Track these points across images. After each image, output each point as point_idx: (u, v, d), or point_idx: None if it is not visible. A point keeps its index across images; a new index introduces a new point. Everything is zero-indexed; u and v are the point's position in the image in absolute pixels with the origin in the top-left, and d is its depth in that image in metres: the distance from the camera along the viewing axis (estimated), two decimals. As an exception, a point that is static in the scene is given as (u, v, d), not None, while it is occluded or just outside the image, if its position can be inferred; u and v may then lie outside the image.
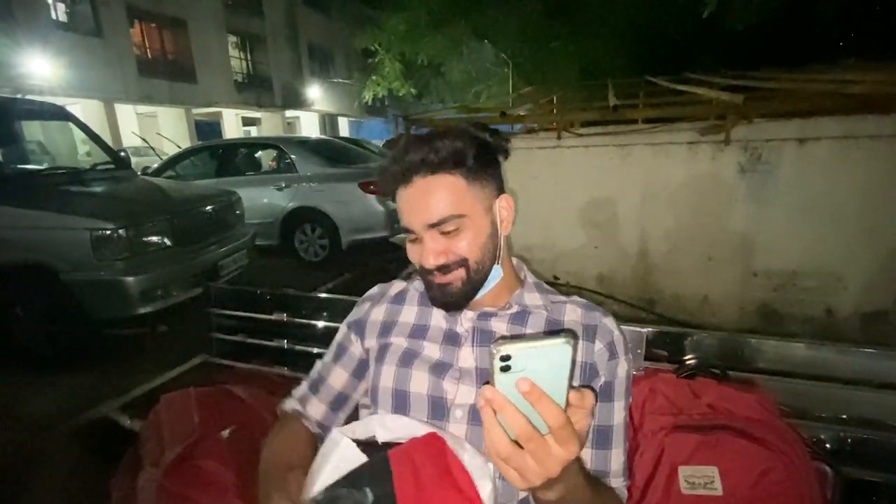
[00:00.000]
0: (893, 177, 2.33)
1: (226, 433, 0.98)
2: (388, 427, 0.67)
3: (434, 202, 0.69)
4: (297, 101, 18.57)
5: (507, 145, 0.76)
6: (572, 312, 0.76)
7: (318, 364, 0.87)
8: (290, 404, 0.84)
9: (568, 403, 0.42)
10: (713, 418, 0.83)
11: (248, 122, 17.96)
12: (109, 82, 11.42)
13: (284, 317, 1.36)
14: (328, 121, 21.82)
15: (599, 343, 0.72)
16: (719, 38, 4.82)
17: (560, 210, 3.08)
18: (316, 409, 0.82)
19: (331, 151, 5.28)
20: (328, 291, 1.51)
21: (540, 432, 0.41)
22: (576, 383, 0.69)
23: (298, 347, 1.34)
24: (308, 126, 20.62)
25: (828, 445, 0.89)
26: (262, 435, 0.96)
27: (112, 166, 3.53)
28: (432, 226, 0.70)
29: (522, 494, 0.67)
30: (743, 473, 0.77)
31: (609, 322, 0.75)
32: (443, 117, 4.53)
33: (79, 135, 3.86)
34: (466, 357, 0.73)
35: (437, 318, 0.79)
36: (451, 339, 0.76)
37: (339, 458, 0.62)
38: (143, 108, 13.56)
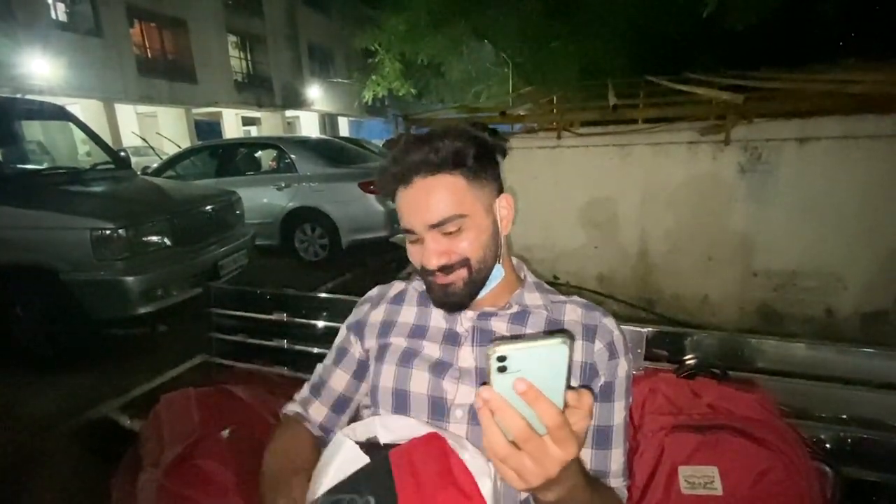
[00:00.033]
0: (893, 177, 2.33)
1: (226, 433, 0.97)
2: (389, 428, 0.67)
3: (435, 202, 0.69)
4: (297, 101, 18.57)
5: (506, 145, 0.76)
6: (572, 312, 0.76)
7: (319, 367, 0.87)
8: (291, 408, 0.85)
9: (566, 404, 0.42)
10: (713, 418, 0.83)
11: (247, 121, 17.96)
12: (109, 82, 11.41)
13: (284, 317, 1.36)
14: (328, 121, 21.82)
15: (599, 343, 0.72)
16: (719, 38, 4.82)
17: (560, 210, 3.08)
18: (318, 412, 0.82)
19: (331, 151, 5.28)
20: (328, 291, 1.51)
21: (538, 433, 0.41)
22: (575, 383, 0.70)
23: (298, 347, 1.34)
24: (308, 126, 20.62)
25: (828, 445, 0.89)
26: (262, 435, 0.96)
27: (112, 166, 3.53)
28: (434, 226, 0.69)
29: (524, 494, 0.67)
30: (743, 473, 0.77)
31: (609, 322, 0.75)
32: (443, 117, 4.53)
33: (79, 135, 3.86)
34: (466, 357, 0.73)
35: (437, 317, 0.79)
36: (451, 338, 0.76)
37: (342, 460, 0.62)
38: (143, 108, 13.56)
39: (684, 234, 2.82)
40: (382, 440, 0.66)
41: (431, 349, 0.76)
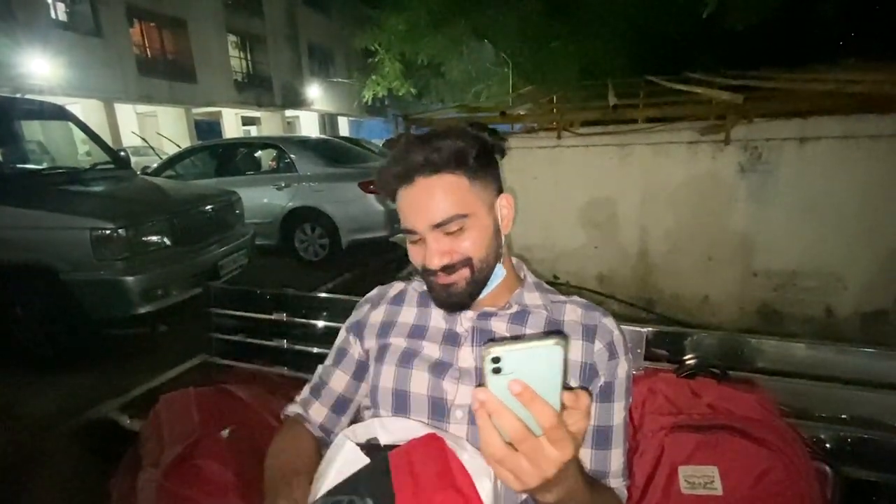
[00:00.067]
0: (893, 177, 2.33)
1: (225, 433, 0.98)
2: (389, 429, 0.67)
3: (437, 202, 0.69)
4: (297, 101, 18.57)
5: (505, 145, 0.76)
6: (572, 312, 0.76)
7: (320, 368, 0.87)
8: (292, 409, 0.85)
9: (563, 405, 0.42)
10: (713, 418, 0.83)
11: (247, 121, 17.95)
12: (109, 82, 11.41)
13: (284, 317, 1.36)
14: (328, 120, 21.82)
15: (599, 343, 0.72)
16: (719, 38, 4.82)
17: (560, 210, 3.08)
18: (318, 413, 0.82)
19: (330, 151, 5.28)
20: (328, 291, 1.51)
21: (534, 434, 0.41)
22: (575, 383, 0.70)
23: (298, 347, 1.34)
24: (308, 126, 20.62)
25: (828, 445, 0.89)
26: (262, 435, 0.96)
27: (112, 166, 3.53)
28: (436, 226, 0.69)
29: (524, 495, 0.67)
30: (743, 473, 0.77)
31: (609, 322, 0.75)
32: (443, 117, 4.52)
33: (78, 134, 3.86)
34: (466, 357, 0.73)
35: (437, 318, 0.79)
36: (451, 338, 0.76)
37: (342, 461, 0.62)
38: (143, 108, 13.56)
39: (684, 233, 2.82)
40: (382, 441, 0.66)
41: (431, 349, 0.76)
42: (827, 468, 0.84)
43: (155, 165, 5.57)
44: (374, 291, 0.90)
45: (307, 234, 4.90)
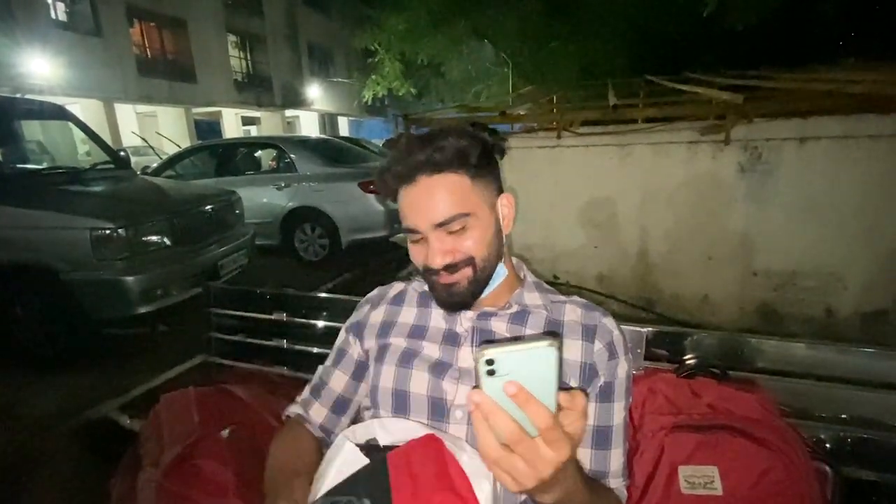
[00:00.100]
0: (893, 177, 2.33)
1: (225, 433, 0.98)
2: (388, 430, 0.67)
3: (440, 201, 0.69)
4: (297, 101, 18.57)
5: (504, 145, 0.76)
6: (572, 312, 0.76)
7: (320, 368, 0.87)
8: (293, 409, 0.85)
9: (559, 405, 0.42)
10: (713, 418, 0.83)
11: (247, 121, 17.95)
12: (109, 82, 11.41)
13: (284, 316, 1.36)
14: (328, 120, 21.81)
15: (599, 343, 0.72)
16: (719, 38, 4.82)
17: (560, 210, 3.08)
18: (318, 414, 0.82)
19: (330, 151, 5.28)
20: (328, 291, 1.51)
21: (529, 435, 0.41)
22: (575, 383, 0.70)
23: (298, 347, 1.34)
24: (308, 125, 20.62)
25: (828, 445, 0.89)
26: (262, 435, 0.96)
27: (112, 166, 3.53)
28: (439, 225, 0.69)
29: (523, 496, 0.67)
30: (743, 473, 0.77)
31: (609, 322, 0.75)
32: (442, 117, 4.52)
33: (78, 134, 3.86)
34: (466, 357, 0.73)
35: (437, 318, 0.79)
36: (451, 338, 0.76)
37: (342, 461, 0.62)
38: (143, 108, 13.56)
39: (684, 233, 2.82)
40: (382, 442, 0.66)
41: (431, 349, 0.76)
42: (827, 468, 0.84)
43: (155, 165, 5.56)
44: (375, 292, 0.90)
45: (307, 234, 4.90)
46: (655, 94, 3.51)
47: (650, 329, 1.01)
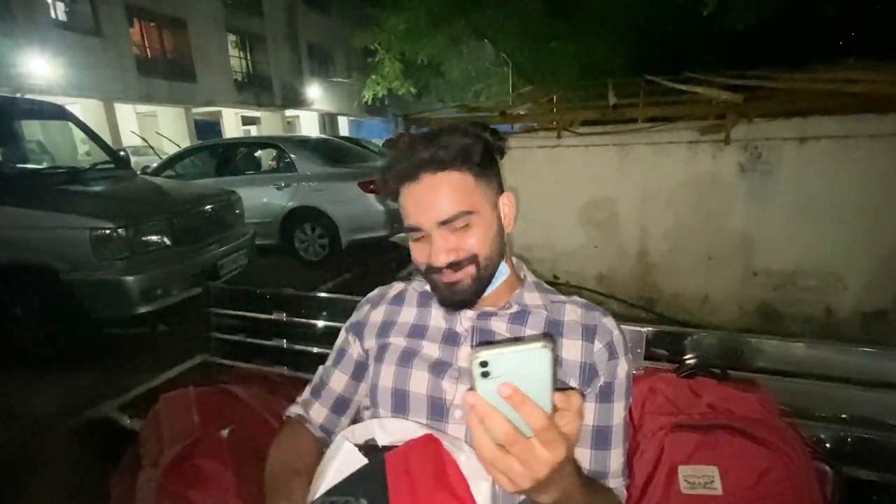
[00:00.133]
0: (893, 176, 2.33)
1: (225, 433, 0.98)
2: (387, 430, 0.67)
3: (444, 199, 0.69)
4: (297, 101, 18.56)
5: (504, 144, 0.76)
6: (572, 312, 0.76)
7: (321, 369, 0.87)
8: (294, 409, 0.85)
9: (554, 406, 0.42)
10: (713, 418, 0.83)
11: (247, 121, 17.94)
12: (109, 82, 11.41)
13: (284, 316, 1.36)
14: (328, 120, 21.80)
15: (599, 343, 0.72)
16: (719, 38, 4.82)
17: (560, 209, 3.08)
18: (318, 414, 0.82)
19: (330, 151, 5.28)
20: (328, 291, 1.51)
21: (525, 435, 0.41)
22: (574, 384, 0.70)
23: (298, 347, 1.34)
24: (308, 125, 20.61)
25: (828, 445, 0.89)
26: (262, 435, 0.96)
27: (111, 166, 3.53)
28: (443, 223, 0.69)
29: (522, 497, 0.67)
30: (743, 473, 0.77)
31: (609, 322, 0.75)
32: (442, 116, 4.52)
33: (78, 134, 3.86)
34: (466, 357, 0.73)
35: (437, 317, 0.79)
36: (451, 338, 0.76)
37: (340, 461, 0.62)
38: (143, 108, 13.55)
39: (684, 233, 2.82)
40: (381, 442, 0.66)
41: (431, 349, 0.76)
42: (827, 468, 0.84)
43: (155, 165, 5.56)
44: (375, 292, 0.90)
45: (307, 234, 4.89)
46: (655, 93, 3.50)
47: (650, 329, 1.01)
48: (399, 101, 11.09)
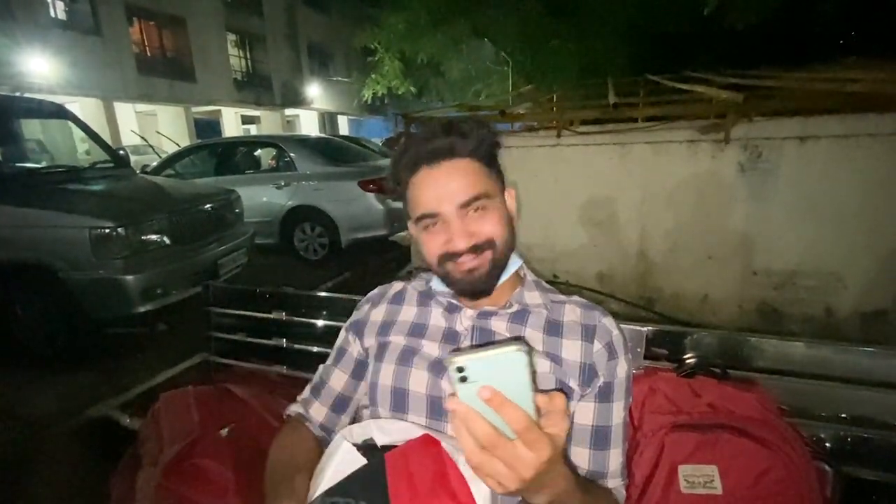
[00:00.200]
0: (894, 176, 2.33)
1: (225, 432, 0.98)
2: (385, 430, 0.66)
3: (464, 182, 0.70)
4: (297, 100, 18.55)
5: (499, 141, 0.78)
6: (571, 312, 0.76)
7: (321, 368, 0.88)
8: (294, 408, 0.85)
9: (538, 408, 0.43)
10: (713, 417, 0.83)
11: (247, 120, 17.93)
12: (108, 81, 11.40)
13: (284, 315, 1.35)
14: (328, 119, 21.79)
15: (598, 343, 0.72)
16: (720, 37, 4.82)
17: (560, 209, 3.07)
18: (318, 412, 0.82)
19: (330, 150, 5.27)
20: (328, 290, 1.51)
21: (508, 438, 0.42)
22: (574, 384, 0.70)
23: (298, 346, 1.34)
24: (307, 124, 20.60)
25: (828, 444, 0.89)
26: (261, 434, 0.96)
27: (111, 165, 3.52)
28: (463, 205, 0.70)
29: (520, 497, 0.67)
30: (743, 472, 0.77)
31: (608, 322, 0.75)
32: (442, 115, 4.52)
33: (78, 133, 3.85)
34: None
35: (437, 316, 0.79)
36: (451, 337, 0.76)
37: (339, 461, 0.62)
38: (143, 107, 13.54)
39: (684, 232, 2.82)
40: (379, 442, 0.65)
41: (431, 348, 0.76)
42: (827, 467, 0.84)
43: (154, 164, 5.56)
44: (375, 291, 0.90)
45: (307, 233, 4.89)
46: (655, 92, 3.50)
47: (650, 328, 1.01)
48: (399, 101, 11.09)
